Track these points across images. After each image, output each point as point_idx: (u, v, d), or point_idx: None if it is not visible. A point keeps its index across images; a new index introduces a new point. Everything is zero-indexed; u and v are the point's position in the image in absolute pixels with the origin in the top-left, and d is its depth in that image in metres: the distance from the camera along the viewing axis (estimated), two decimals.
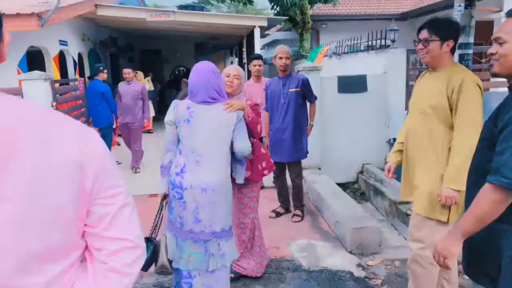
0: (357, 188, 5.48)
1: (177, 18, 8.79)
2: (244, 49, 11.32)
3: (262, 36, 17.24)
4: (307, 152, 4.20)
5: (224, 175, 2.41)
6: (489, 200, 1.31)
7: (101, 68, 6.42)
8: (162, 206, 2.52)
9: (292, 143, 4.02)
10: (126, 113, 6.14)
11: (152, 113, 10.09)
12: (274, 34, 15.77)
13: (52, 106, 4.90)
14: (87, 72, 10.33)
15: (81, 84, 6.14)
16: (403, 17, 13.05)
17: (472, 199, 1.40)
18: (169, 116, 2.38)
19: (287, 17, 9.95)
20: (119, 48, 13.33)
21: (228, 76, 2.79)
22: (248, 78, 5.01)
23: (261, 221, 3.87)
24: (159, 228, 2.54)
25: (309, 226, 4.04)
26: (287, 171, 4.27)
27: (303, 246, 3.60)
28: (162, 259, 2.42)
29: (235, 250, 2.60)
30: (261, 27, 8.97)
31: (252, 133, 2.64)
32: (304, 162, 5.23)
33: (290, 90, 3.97)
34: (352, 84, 5.23)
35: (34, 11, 5.58)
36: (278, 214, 4.29)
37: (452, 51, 2.11)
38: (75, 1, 7.60)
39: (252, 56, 4.93)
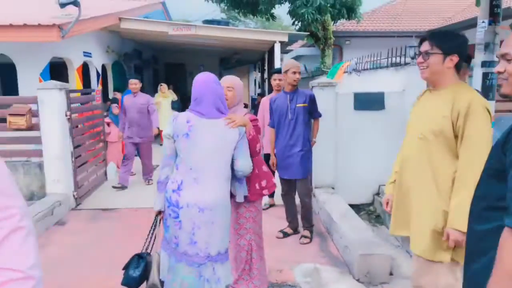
0: (372, 211, 5.23)
1: (198, 32, 8.86)
2: (266, 64, 11.33)
3: (285, 51, 17.27)
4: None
5: (223, 194, 2.30)
6: None
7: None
8: (157, 222, 2.42)
9: (300, 160, 3.87)
10: (132, 127, 5.78)
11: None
12: (298, 49, 15.72)
13: (66, 115, 4.94)
14: (110, 83, 10.56)
15: (98, 95, 6.18)
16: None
17: (473, 235, 1.21)
18: (167, 129, 2.27)
19: (308, 33, 9.86)
20: (143, 60, 13.58)
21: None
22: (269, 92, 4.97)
23: (267, 241, 3.72)
24: (152, 244, 2.45)
25: (317, 249, 3.84)
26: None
27: (308, 271, 3.40)
28: (153, 278, 2.35)
29: (230, 274, 2.47)
30: (282, 42, 8.93)
31: (253, 151, 2.54)
32: (316, 181, 5.08)
33: (297, 105, 3.84)
34: (369, 101, 5.03)
35: (56, 23, 5.70)
36: (285, 235, 4.11)
37: (457, 68, 1.89)
38: (99, 13, 7.78)
39: (273, 70, 4.88)
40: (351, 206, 4.99)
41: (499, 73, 1.27)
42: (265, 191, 2.76)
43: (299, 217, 4.17)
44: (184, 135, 2.22)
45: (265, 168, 2.84)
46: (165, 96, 9.44)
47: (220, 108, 2.30)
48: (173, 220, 2.24)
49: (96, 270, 3.43)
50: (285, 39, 8.70)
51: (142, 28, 9.01)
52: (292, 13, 9.28)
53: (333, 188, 5.11)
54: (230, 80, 2.68)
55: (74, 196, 5.09)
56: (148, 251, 2.45)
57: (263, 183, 2.75)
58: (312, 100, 3.90)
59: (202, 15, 20.41)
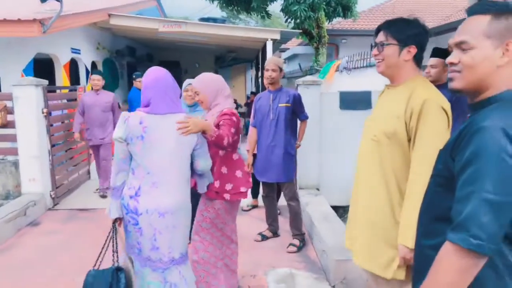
0: None
1: (188, 29, 8.70)
2: (260, 62, 11.17)
3: (282, 50, 17.14)
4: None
5: (184, 196, 2.20)
6: (456, 268, 0.96)
7: (134, 76, 6.93)
8: (116, 229, 2.23)
9: (281, 163, 3.68)
10: (93, 128, 5.16)
11: None
12: (294, 48, 15.57)
13: (43, 112, 4.80)
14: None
15: (81, 92, 6.03)
16: None
17: (420, 251, 1.06)
18: (118, 132, 2.09)
19: (301, 31, 9.67)
20: (137, 58, 13.43)
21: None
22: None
23: (245, 244, 3.59)
24: (117, 252, 2.23)
25: (295, 254, 3.69)
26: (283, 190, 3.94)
27: (282, 276, 3.25)
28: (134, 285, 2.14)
29: (192, 272, 2.38)
30: (274, 40, 8.76)
31: (221, 147, 2.40)
32: (301, 182, 4.92)
33: (280, 105, 3.67)
34: (356, 101, 4.89)
35: (36, 18, 5.55)
36: (263, 238, 3.96)
37: (417, 60, 1.69)
38: (87, 9, 7.63)
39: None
40: (336, 208, 4.85)
41: (452, 64, 1.11)
42: (226, 195, 2.55)
43: (286, 221, 4.01)
44: (138, 137, 2.07)
45: (239, 173, 2.63)
46: None
47: (175, 101, 2.18)
48: (133, 226, 2.14)
49: (62, 273, 3.29)
50: (277, 36, 8.53)
51: (132, 24, 8.86)
52: (284, 10, 9.11)
53: (317, 189, 4.96)
54: (199, 79, 2.61)
55: (51, 195, 4.95)
56: (117, 260, 2.20)
57: (227, 186, 2.56)
58: (296, 100, 3.71)
59: (201, 14, 20.28)
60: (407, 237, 1.51)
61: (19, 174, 4.80)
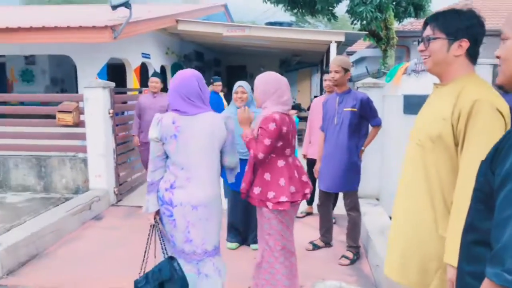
0: None
1: (251, 33, 8.76)
2: (324, 66, 10.93)
3: (349, 53, 16.64)
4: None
5: (215, 190, 2.30)
6: None
7: (212, 80, 7.10)
8: (158, 222, 2.34)
9: (343, 172, 3.45)
10: (147, 131, 4.63)
11: None
12: (362, 51, 15.04)
13: (109, 113, 5.07)
14: (169, 85, 10.87)
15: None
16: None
17: (461, 277, 0.89)
18: (153, 133, 2.22)
19: (367, 32, 9.27)
20: (205, 62, 13.86)
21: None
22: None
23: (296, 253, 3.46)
24: (165, 244, 2.32)
25: (348, 266, 3.48)
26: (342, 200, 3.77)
27: None
28: None
29: (224, 263, 2.47)
30: (338, 43, 8.51)
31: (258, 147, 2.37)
32: (360, 191, 4.66)
33: (345, 109, 3.42)
34: (421, 105, 4.51)
35: (108, 24, 5.91)
36: (315, 247, 3.79)
37: (470, 55, 1.46)
38: (156, 15, 8.00)
39: (325, 69, 4.57)
40: None
41: (497, 58, 0.93)
42: (268, 204, 2.41)
43: (341, 231, 3.82)
44: (172, 136, 2.20)
45: (282, 181, 2.42)
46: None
47: (200, 102, 2.24)
48: (168, 218, 2.25)
49: (117, 266, 3.42)
50: (341, 39, 8.27)
51: (198, 29, 9.13)
52: (350, 11, 8.81)
53: (377, 199, 4.67)
54: (258, 77, 2.59)
55: (114, 192, 5.21)
56: (165, 253, 2.30)
57: (269, 195, 2.40)
58: (364, 104, 3.38)
59: (269, 19, 20.42)
60: (453, 255, 1.29)
61: (88, 171, 5.12)
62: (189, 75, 2.24)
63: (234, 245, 3.82)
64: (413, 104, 4.57)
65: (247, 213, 3.70)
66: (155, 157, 2.24)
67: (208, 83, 7.76)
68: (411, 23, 12.91)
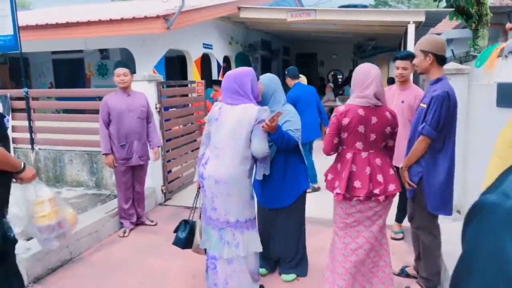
0: None
1: (318, 17, 8.05)
2: (402, 49, 9.80)
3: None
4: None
5: (237, 170, 2.50)
6: None
7: (286, 72, 5.40)
8: (198, 193, 2.83)
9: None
10: (126, 144, 3.91)
11: None
12: (447, 32, 13.38)
13: (156, 108, 4.81)
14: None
15: (201, 87, 5.99)
16: None
17: None
18: (207, 116, 2.70)
19: (453, 9, 8.00)
20: (272, 51, 13.34)
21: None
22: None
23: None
24: (194, 212, 2.93)
25: None
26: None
27: None
28: (196, 240, 2.79)
29: (255, 243, 2.64)
30: (418, 24, 7.44)
31: None
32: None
33: (421, 104, 2.67)
34: None
35: (160, 14, 5.66)
36: (403, 273, 3.07)
37: None
38: (215, 2, 7.66)
39: (396, 55, 3.68)
40: None
41: None
42: (334, 192, 2.55)
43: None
44: (215, 119, 2.59)
45: (344, 174, 2.46)
46: None
47: (238, 95, 2.56)
48: (202, 189, 2.61)
49: (144, 280, 3.10)
50: (421, 18, 7.21)
51: (260, 16, 8.65)
52: None
53: (458, 212, 3.81)
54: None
55: (162, 190, 4.98)
56: (192, 217, 2.94)
57: (336, 184, 2.53)
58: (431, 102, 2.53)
59: (342, 2, 19.20)
60: None
61: None
62: (232, 76, 2.59)
63: (262, 270, 3.14)
64: (509, 95, 3.61)
65: (275, 236, 3.09)
66: (204, 135, 2.73)
67: (280, 76, 6.51)
68: None
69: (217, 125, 2.56)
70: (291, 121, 2.85)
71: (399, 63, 3.48)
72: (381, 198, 2.46)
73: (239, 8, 8.47)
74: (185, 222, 2.90)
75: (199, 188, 2.75)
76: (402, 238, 3.82)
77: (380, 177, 2.46)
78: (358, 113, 2.41)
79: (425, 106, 2.56)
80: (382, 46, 14.23)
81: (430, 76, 2.68)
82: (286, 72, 5.25)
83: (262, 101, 2.85)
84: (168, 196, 5.10)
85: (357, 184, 2.45)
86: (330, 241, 2.72)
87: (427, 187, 2.61)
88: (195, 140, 5.89)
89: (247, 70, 2.62)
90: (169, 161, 5.15)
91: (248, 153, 2.52)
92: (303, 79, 5.46)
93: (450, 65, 3.78)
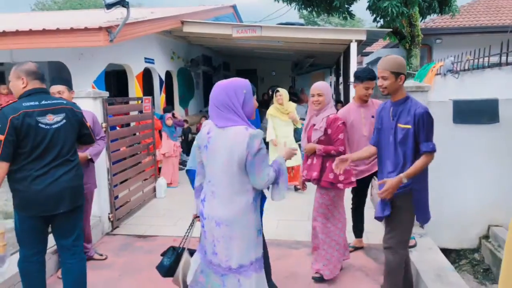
0: (479, 261, 3.86)
1: (264, 34, 8.03)
2: (341, 68, 10.15)
3: (364, 54, 15.81)
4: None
5: (237, 207, 2.16)
6: None
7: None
8: (193, 223, 2.64)
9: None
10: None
11: None
12: (379, 51, 14.21)
13: (102, 127, 4.36)
14: (175, 91, 10.20)
15: (148, 103, 5.60)
16: None
17: None
18: (196, 140, 2.34)
19: (391, 30, 8.47)
20: (213, 67, 13.16)
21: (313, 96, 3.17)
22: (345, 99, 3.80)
23: None
24: (184, 242, 2.64)
25: None
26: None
27: None
28: (178, 274, 2.50)
29: (262, 285, 2.27)
30: (359, 42, 7.73)
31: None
32: None
33: (399, 125, 2.57)
34: (476, 112, 3.71)
35: (102, 26, 5.23)
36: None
37: None
38: (155, 16, 7.32)
39: (358, 73, 3.57)
40: (447, 251, 3.74)
41: None
42: (340, 185, 3.06)
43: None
44: (204, 146, 2.21)
45: (348, 166, 2.80)
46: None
47: (231, 114, 2.13)
48: (202, 228, 2.28)
49: None
50: (363, 37, 7.48)
51: (205, 31, 8.44)
52: (372, 7, 8.00)
53: (421, 227, 3.86)
54: (319, 86, 3.18)
55: (109, 218, 4.50)
56: (183, 246, 2.63)
57: (340, 177, 3.01)
58: (419, 121, 2.49)
59: (279, 20, 19.66)
60: None
61: None
62: (220, 88, 2.16)
63: None
64: (465, 111, 3.78)
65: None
66: (198, 162, 2.33)
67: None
68: (433, 20, 12.09)
69: (208, 154, 2.18)
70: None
71: (370, 83, 3.44)
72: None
73: (182, 22, 8.20)
74: (173, 248, 2.64)
75: (194, 217, 2.56)
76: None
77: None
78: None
79: (409, 126, 2.51)
80: (318, 64, 14.72)
81: (396, 96, 2.64)
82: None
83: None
84: (116, 224, 4.62)
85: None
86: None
87: (417, 201, 2.58)
88: (140, 162, 5.48)
89: (243, 82, 2.19)
90: (115, 185, 4.68)
91: (247, 186, 2.15)
92: None
93: (410, 83, 3.87)
